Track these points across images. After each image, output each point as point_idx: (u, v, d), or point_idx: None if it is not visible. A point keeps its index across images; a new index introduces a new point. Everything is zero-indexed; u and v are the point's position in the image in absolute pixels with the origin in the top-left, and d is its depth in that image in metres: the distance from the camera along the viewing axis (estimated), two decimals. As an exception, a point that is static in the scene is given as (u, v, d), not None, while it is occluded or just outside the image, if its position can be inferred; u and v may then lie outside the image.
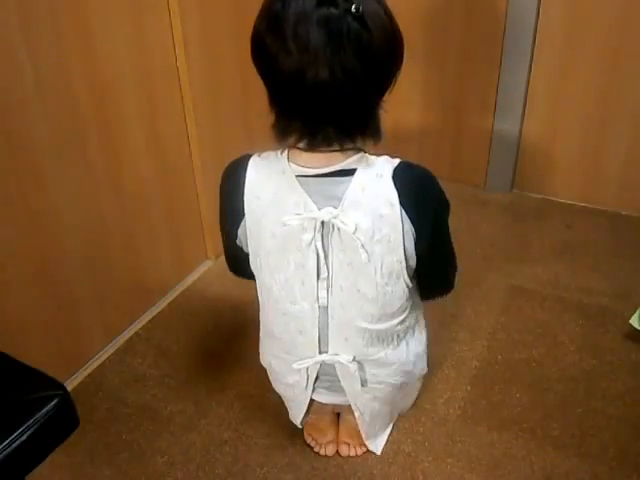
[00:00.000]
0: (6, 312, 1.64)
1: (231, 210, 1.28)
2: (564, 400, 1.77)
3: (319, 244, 1.18)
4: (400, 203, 1.14)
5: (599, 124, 2.52)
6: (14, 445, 1.04)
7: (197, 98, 2.10)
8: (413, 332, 1.43)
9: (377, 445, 1.64)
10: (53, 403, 1.10)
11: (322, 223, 1.16)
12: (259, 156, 1.26)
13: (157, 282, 2.19)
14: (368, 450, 1.64)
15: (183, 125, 2.12)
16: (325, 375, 1.43)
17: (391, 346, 1.37)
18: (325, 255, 1.20)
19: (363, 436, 1.60)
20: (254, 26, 1.06)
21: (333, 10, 0.95)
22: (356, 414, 1.52)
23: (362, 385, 1.40)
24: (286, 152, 1.19)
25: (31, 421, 1.07)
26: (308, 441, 1.67)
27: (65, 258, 1.78)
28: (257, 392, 1.83)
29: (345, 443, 1.65)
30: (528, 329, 1.99)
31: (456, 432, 1.69)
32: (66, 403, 1.13)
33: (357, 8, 0.95)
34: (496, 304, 2.12)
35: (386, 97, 1.13)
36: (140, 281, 2.10)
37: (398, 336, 1.37)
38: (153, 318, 2.13)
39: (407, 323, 1.37)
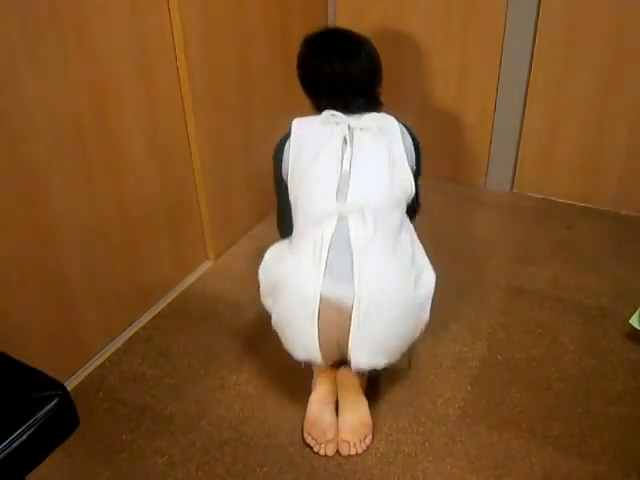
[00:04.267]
0: (6, 312, 1.64)
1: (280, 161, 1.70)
2: (564, 400, 1.77)
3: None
4: (402, 133, 1.67)
5: (599, 124, 2.52)
6: (14, 445, 1.04)
7: (197, 98, 2.10)
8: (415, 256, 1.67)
9: (402, 361, 1.68)
10: (53, 403, 1.10)
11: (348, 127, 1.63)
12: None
13: (157, 282, 2.19)
14: (368, 448, 1.64)
15: (183, 125, 2.12)
16: (336, 248, 1.56)
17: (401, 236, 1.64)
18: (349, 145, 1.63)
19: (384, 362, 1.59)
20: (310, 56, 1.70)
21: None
22: (361, 331, 1.52)
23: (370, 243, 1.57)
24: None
25: (31, 421, 1.07)
26: (307, 441, 1.67)
27: (65, 258, 1.78)
28: (257, 392, 1.83)
29: (345, 442, 1.65)
30: (528, 329, 1.99)
31: (456, 432, 1.69)
32: (66, 403, 1.13)
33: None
34: (496, 304, 2.13)
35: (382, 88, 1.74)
36: (140, 281, 2.10)
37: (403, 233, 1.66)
38: (153, 318, 2.14)
39: (407, 235, 1.66)
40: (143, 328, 2.09)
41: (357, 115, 1.66)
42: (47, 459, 1.12)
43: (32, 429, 1.07)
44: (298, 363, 1.64)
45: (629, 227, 2.54)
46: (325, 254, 1.56)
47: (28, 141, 1.60)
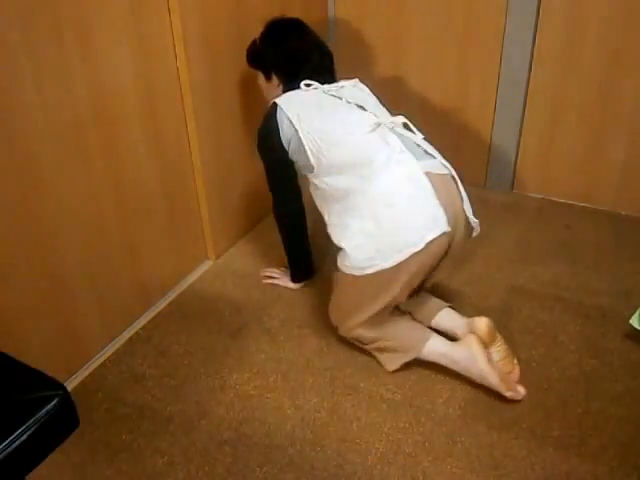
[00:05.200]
0: (6, 312, 1.64)
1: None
2: (564, 400, 1.77)
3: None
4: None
5: (599, 124, 2.52)
6: (14, 445, 1.04)
7: (197, 98, 2.10)
8: None
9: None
10: (53, 403, 1.10)
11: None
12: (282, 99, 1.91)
13: (157, 282, 2.19)
14: (368, 449, 1.65)
15: (183, 125, 2.12)
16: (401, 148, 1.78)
17: None
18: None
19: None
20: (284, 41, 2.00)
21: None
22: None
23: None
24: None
25: (31, 421, 1.07)
26: (511, 395, 1.74)
27: (65, 259, 1.78)
28: (257, 392, 1.83)
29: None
30: (528, 329, 1.99)
31: (456, 432, 1.69)
32: (66, 403, 1.13)
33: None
34: (496, 304, 2.12)
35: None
36: (140, 281, 2.10)
37: None
38: (153, 318, 2.14)
39: None
40: (143, 328, 2.09)
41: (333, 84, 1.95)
42: (47, 459, 1.12)
43: (32, 429, 1.07)
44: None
45: (629, 227, 2.54)
46: (403, 151, 1.76)
47: (28, 141, 1.60)
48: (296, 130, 1.82)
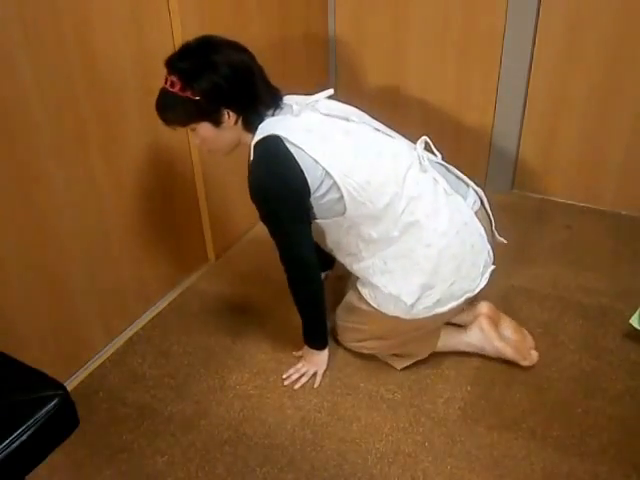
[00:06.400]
0: (6, 312, 1.64)
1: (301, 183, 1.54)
2: (564, 400, 1.77)
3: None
4: None
5: (599, 124, 2.52)
6: (14, 445, 1.04)
7: (197, 98, 2.10)
8: None
9: None
10: (53, 403, 1.11)
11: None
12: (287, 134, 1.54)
13: (157, 282, 2.19)
14: (368, 449, 1.65)
15: (183, 125, 2.12)
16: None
17: None
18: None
19: None
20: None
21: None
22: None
23: None
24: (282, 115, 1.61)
25: (31, 421, 1.07)
26: (527, 363, 1.85)
27: (65, 259, 1.78)
28: (257, 392, 1.83)
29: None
30: (528, 329, 1.99)
31: (456, 432, 1.69)
32: (66, 403, 1.13)
33: None
34: (496, 304, 2.12)
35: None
36: (140, 281, 2.10)
37: None
38: (153, 318, 2.14)
39: None
40: (143, 328, 2.09)
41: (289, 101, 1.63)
42: (47, 459, 1.12)
43: (32, 429, 1.07)
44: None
45: (629, 227, 2.54)
46: (450, 193, 1.67)
47: (28, 141, 1.59)
48: (326, 172, 1.53)
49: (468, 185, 1.77)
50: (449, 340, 1.87)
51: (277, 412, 1.77)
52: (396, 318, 1.69)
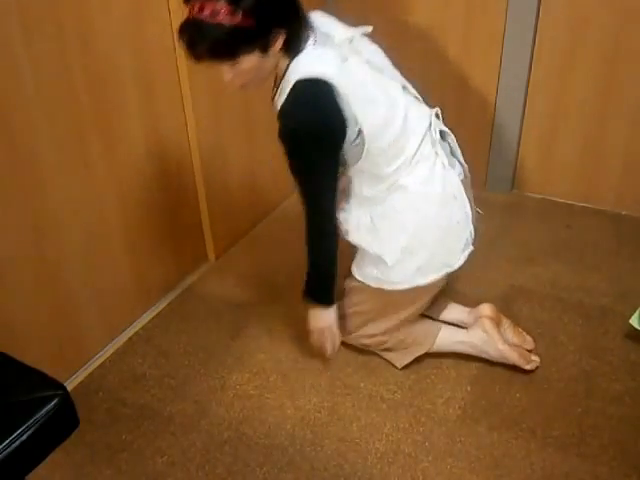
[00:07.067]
0: (6, 312, 1.64)
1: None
2: (564, 400, 1.77)
3: None
4: None
5: (599, 124, 2.52)
6: (14, 445, 1.05)
7: (197, 98, 2.10)
8: None
9: None
10: (53, 403, 1.11)
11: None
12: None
13: (157, 282, 2.19)
14: (368, 449, 1.65)
15: (183, 125, 2.12)
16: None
17: None
18: None
19: None
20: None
21: None
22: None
23: None
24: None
25: (31, 421, 1.07)
26: (531, 366, 1.84)
27: (65, 258, 1.78)
28: (257, 392, 1.83)
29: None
30: (528, 329, 1.99)
31: (456, 432, 1.69)
32: (66, 403, 1.13)
33: None
34: (496, 304, 2.12)
35: None
36: (140, 281, 2.10)
37: None
38: (153, 318, 2.14)
39: None
40: (143, 328, 2.09)
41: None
42: (47, 459, 1.12)
43: (32, 429, 1.07)
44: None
45: (629, 227, 2.54)
46: (447, 167, 1.66)
47: (28, 141, 1.60)
48: (360, 132, 1.49)
49: (455, 156, 1.75)
50: (449, 338, 1.87)
51: (277, 412, 1.77)
52: (381, 292, 1.70)
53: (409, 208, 1.64)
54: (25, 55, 1.53)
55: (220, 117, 2.25)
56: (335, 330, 1.76)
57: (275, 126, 1.76)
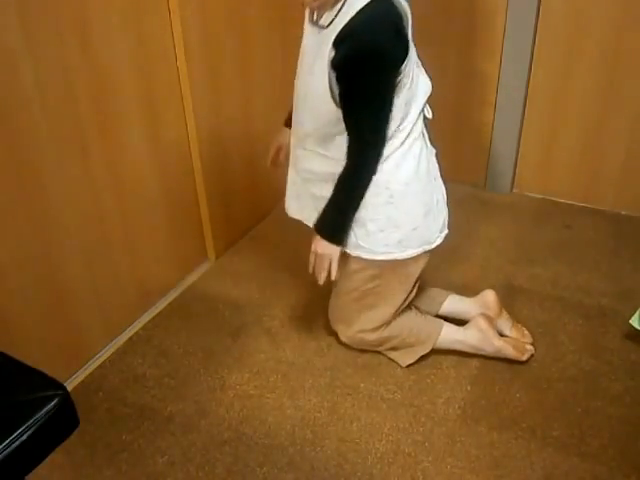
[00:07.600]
0: (6, 312, 1.64)
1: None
2: (564, 400, 1.77)
3: None
4: None
5: (599, 124, 2.52)
6: (14, 445, 1.04)
7: (197, 98, 2.10)
8: None
9: None
10: (53, 403, 1.10)
11: None
12: None
13: (157, 282, 2.19)
14: (368, 449, 1.65)
15: (183, 125, 2.12)
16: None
17: None
18: None
19: None
20: None
21: None
22: None
23: None
24: None
25: (31, 421, 1.07)
26: (526, 357, 1.88)
27: (65, 258, 1.78)
28: (257, 392, 1.83)
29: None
30: (528, 329, 1.99)
31: (456, 432, 1.69)
32: (66, 403, 1.13)
33: None
34: (496, 304, 2.12)
35: None
36: (140, 281, 2.10)
37: None
38: (153, 318, 2.14)
39: None
40: (143, 328, 2.09)
41: None
42: (47, 459, 1.12)
43: (32, 429, 1.07)
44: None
45: (629, 227, 2.54)
46: (430, 148, 1.72)
47: (28, 141, 1.60)
48: (404, 74, 1.47)
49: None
50: (448, 337, 1.87)
51: (277, 412, 1.77)
52: (364, 269, 1.71)
53: (398, 182, 1.62)
54: (25, 55, 1.53)
55: (220, 117, 2.25)
56: (335, 264, 1.67)
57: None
